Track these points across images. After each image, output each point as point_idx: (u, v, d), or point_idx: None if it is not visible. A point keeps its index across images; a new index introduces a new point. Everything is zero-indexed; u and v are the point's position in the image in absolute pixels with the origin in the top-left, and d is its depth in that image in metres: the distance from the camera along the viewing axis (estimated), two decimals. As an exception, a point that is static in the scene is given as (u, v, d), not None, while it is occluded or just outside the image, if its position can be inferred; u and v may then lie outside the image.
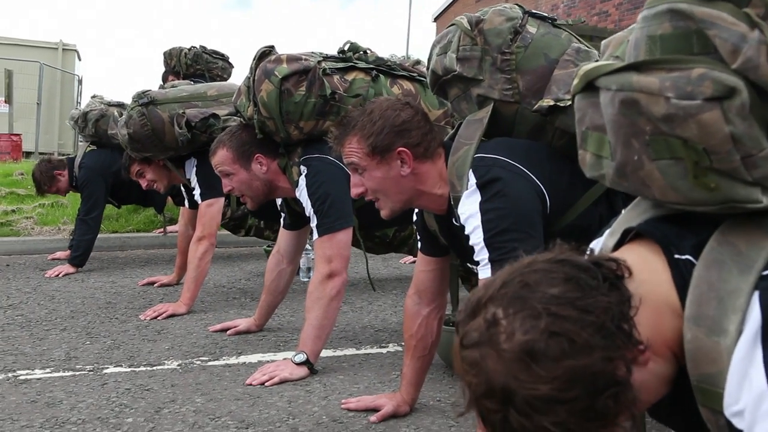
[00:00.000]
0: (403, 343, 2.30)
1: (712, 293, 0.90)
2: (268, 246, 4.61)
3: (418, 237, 2.14)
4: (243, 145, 2.70)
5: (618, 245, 1.05)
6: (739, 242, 0.92)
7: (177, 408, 2.27)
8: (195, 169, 3.56)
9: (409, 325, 2.16)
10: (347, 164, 1.90)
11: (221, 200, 3.57)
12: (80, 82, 13.69)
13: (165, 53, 5.54)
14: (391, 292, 4.04)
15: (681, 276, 0.93)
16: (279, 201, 2.99)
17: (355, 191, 1.90)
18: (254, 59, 2.62)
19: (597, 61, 1.32)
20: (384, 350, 2.94)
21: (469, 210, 1.72)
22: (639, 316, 0.87)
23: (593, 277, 0.86)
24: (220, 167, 2.74)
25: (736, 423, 0.86)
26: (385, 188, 1.85)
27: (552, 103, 1.77)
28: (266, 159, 2.70)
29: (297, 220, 2.93)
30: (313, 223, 2.61)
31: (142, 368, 2.65)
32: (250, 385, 2.47)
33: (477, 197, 1.71)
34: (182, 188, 3.93)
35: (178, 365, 2.69)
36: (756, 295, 0.86)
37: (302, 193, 2.64)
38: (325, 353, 2.72)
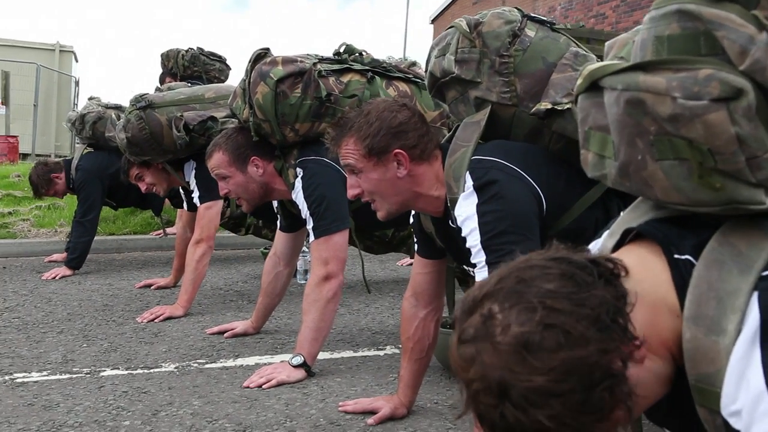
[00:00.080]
0: (400, 346, 2.30)
1: (712, 293, 0.90)
2: (265, 248, 4.61)
3: (415, 239, 2.14)
4: (239, 147, 2.70)
5: (617, 246, 1.05)
6: (739, 243, 0.92)
7: (174, 411, 2.26)
8: (194, 171, 3.55)
9: (407, 328, 2.16)
10: (344, 166, 1.90)
11: (220, 203, 3.57)
12: (77, 83, 13.68)
13: (162, 55, 5.54)
14: (388, 295, 4.04)
15: (680, 276, 0.94)
16: (275, 203, 2.99)
17: (351, 192, 1.90)
18: (249, 61, 2.62)
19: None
20: (381, 353, 2.94)
21: (466, 212, 1.72)
22: (635, 313, 0.87)
23: (589, 273, 0.87)
24: (217, 170, 2.74)
25: (733, 423, 0.86)
26: (381, 190, 1.85)
27: (549, 106, 1.77)
28: (262, 161, 2.70)
29: (293, 223, 2.93)
30: (310, 226, 2.61)
31: (139, 371, 2.65)
32: (248, 387, 2.47)
33: (474, 199, 1.71)
34: (181, 191, 3.92)
35: (175, 368, 2.69)
36: (755, 296, 0.87)
37: (298, 196, 2.63)
38: (322, 356, 2.72)
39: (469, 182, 1.73)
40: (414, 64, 3.01)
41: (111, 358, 2.79)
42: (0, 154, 9.84)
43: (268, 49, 2.67)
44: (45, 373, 2.62)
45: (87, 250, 4.51)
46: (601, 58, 1.37)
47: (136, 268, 4.82)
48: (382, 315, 3.58)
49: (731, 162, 0.88)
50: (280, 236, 3.03)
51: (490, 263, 1.66)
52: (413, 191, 1.86)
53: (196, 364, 2.73)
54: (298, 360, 2.54)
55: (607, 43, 1.24)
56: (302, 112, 2.58)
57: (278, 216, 3.01)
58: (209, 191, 3.44)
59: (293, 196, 2.69)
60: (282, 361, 2.61)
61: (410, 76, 2.80)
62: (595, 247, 1.11)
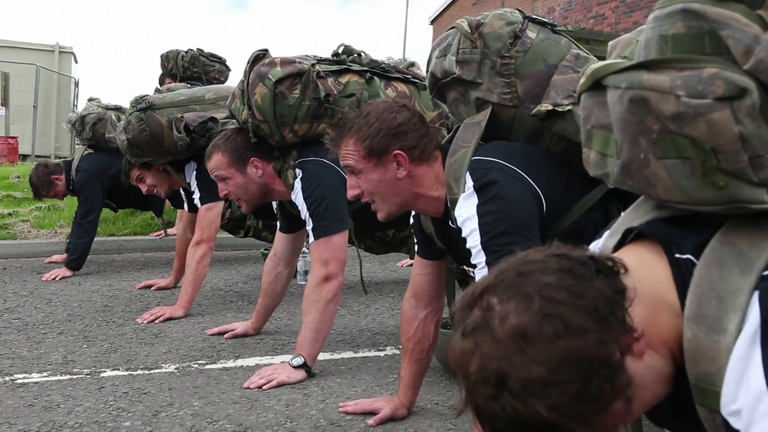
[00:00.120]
0: (400, 347, 2.30)
1: (713, 292, 0.90)
2: (265, 249, 4.61)
3: (415, 240, 2.15)
4: (238, 149, 2.70)
5: (618, 246, 1.05)
6: (741, 243, 0.92)
7: (174, 411, 2.26)
8: (195, 173, 3.56)
9: (407, 328, 2.16)
10: (344, 166, 1.90)
11: (220, 204, 3.57)
12: (77, 84, 13.69)
13: (162, 56, 5.55)
14: (388, 295, 4.05)
15: (681, 275, 0.94)
16: (275, 204, 2.99)
17: (351, 193, 1.90)
18: (248, 63, 2.62)
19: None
20: (381, 353, 2.94)
21: (466, 213, 1.72)
22: (634, 308, 0.87)
23: (588, 268, 0.87)
24: (216, 172, 2.74)
25: (733, 423, 0.86)
26: (381, 191, 1.86)
27: (550, 107, 1.77)
28: (262, 162, 2.71)
29: (293, 223, 2.93)
30: (309, 227, 2.61)
31: (140, 372, 2.65)
32: (248, 388, 2.47)
33: (474, 200, 1.71)
34: (182, 192, 3.93)
35: (176, 369, 2.69)
36: (756, 295, 0.87)
37: (298, 197, 2.64)
38: (322, 356, 2.72)
39: (470, 183, 1.73)
40: (413, 64, 3.01)
41: (111, 359, 2.79)
42: (0, 155, 9.84)
43: (266, 50, 2.67)
44: (45, 374, 2.62)
45: (87, 251, 4.51)
46: (601, 59, 1.37)
47: (136, 269, 4.82)
48: (382, 316, 3.58)
49: (734, 161, 0.89)
50: (279, 237, 3.03)
51: (490, 264, 1.66)
52: (413, 192, 1.86)
53: (196, 365, 2.73)
54: (299, 361, 2.54)
55: (610, 43, 1.25)
56: (301, 113, 2.58)
57: (278, 217, 3.01)
58: (210, 192, 3.44)
59: (292, 197, 2.69)
60: (282, 362, 2.61)
61: (409, 76, 2.80)
62: (595, 247, 1.11)
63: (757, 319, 0.85)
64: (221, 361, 2.80)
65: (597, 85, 1.01)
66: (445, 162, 1.84)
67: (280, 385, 2.48)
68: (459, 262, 2.01)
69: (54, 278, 4.34)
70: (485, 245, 1.67)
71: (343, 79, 2.65)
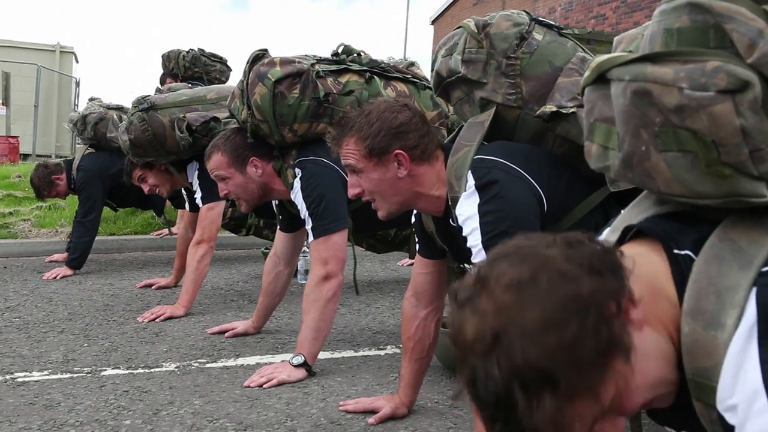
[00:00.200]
0: (400, 346, 2.31)
1: (711, 288, 0.90)
2: (266, 248, 4.62)
3: (416, 239, 2.15)
4: (238, 149, 2.70)
5: (618, 244, 1.05)
6: (740, 239, 0.92)
7: (175, 410, 2.27)
8: (197, 172, 3.56)
9: (407, 328, 2.16)
10: (345, 165, 1.91)
11: (222, 204, 3.58)
12: (78, 84, 13.70)
13: (163, 56, 5.55)
14: (389, 294, 4.05)
15: (680, 271, 0.94)
16: (274, 203, 2.99)
17: (352, 192, 1.91)
18: (247, 62, 2.62)
19: None
20: (382, 352, 2.95)
21: (468, 212, 1.73)
22: (632, 284, 0.87)
23: (583, 239, 0.89)
24: (216, 171, 2.74)
25: (728, 418, 0.86)
26: (381, 190, 1.86)
27: (554, 109, 1.78)
28: (261, 162, 2.71)
29: (293, 223, 2.93)
30: (309, 226, 2.62)
31: (140, 370, 2.65)
32: (248, 387, 2.47)
33: (475, 199, 1.71)
34: (183, 191, 3.93)
35: (176, 367, 2.69)
36: (753, 291, 0.87)
37: (297, 196, 2.64)
38: (323, 355, 2.73)
39: (471, 181, 1.73)
40: (412, 64, 3.01)
41: (112, 358, 2.79)
42: (1, 154, 9.86)
43: (266, 50, 2.67)
44: (46, 372, 2.62)
45: (88, 250, 4.52)
46: None
47: (136, 268, 4.83)
48: (382, 315, 3.59)
49: (734, 154, 0.89)
50: (280, 236, 3.03)
51: (491, 263, 1.66)
52: (414, 191, 1.87)
53: (196, 364, 2.74)
54: (299, 359, 2.55)
55: (616, 38, 1.25)
56: (300, 113, 2.58)
57: (277, 216, 3.02)
58: (212, 192, 3.44)
59: (292, 197, 2.69)
60: (283, 361, 2.62)
61: (408, 76, 2.81)
62: None
63: (754, 315, 0.85)
64: (222, 359, 2.80)
65: (601, 79, 1.02)
66: (447, 161, 1.84)
67: (280, 384, 2.48)
68: (459, 261, 2.02)
69: (55, 277, 4.34)
70: (486, 244, 1.67)
71: (343, 79, 2.65)
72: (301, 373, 2.54)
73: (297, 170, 2.65)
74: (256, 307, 3.17)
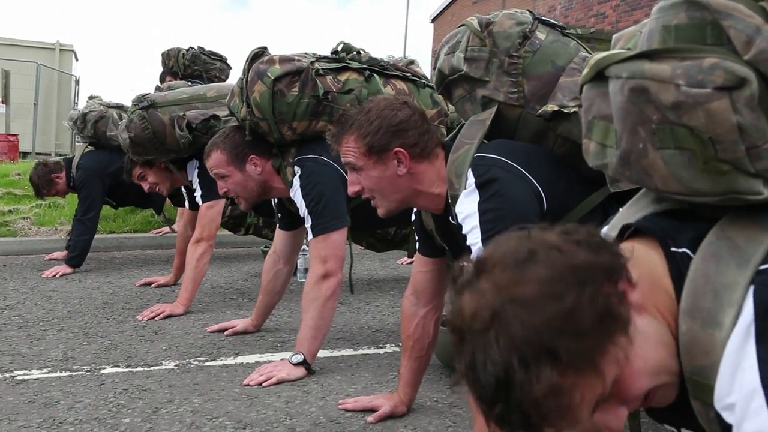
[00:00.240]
0: (400, 344, 2.30)
1: (709, 286, 0.90)
2: (265, 246, 4.62)
3: (416, 237, 2.15)
4: (237, 146, 2.70)
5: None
6: (737, 237, 0.92)
7: (174, 408, 2.27)
8: (197, 170, 3.56)
9: (407, 326, 2.16)
10: (344, 163, 1.91)
11: (222, 202, 3.57)
12: (77, 82, 13.68)
13: (163, 54, 5.55)
14: (388, 293, 4.05)
15: (677, 269, 0.94)
16: (275, 201, 2.99)
17: (352, 189, 1.91)
18: (247, 60, 2.62)
19: None
20: (381, 351, 2.94)
21: (468, 210, 1.72)
22: (630, 269, 0.88)
23: (580, 230, 0.90)
24: (215, 170, 2.74)
25: (726, 417, 0.86)
26: (381, 188, 1.86)
27: (556, 108, 1.77)
28: (260, 160, 2.71)
29: (292, 221, 2.93)
30: (308, 224, 2.62)
31: (140, 368, 2.65)
32: (248, 385, 2.47)
33: (475, 197, 1.71)
34: (183, 189, 3.93)
35: (176, 366, 2.69)
36: (751, 290, 0.87)
37: (296, 194, 2.64)
38: (322, 354, 2.72)
39: (471, 179, 1.73)
40: (412, 62, 3.01)
41: (111, 356, 2.79)
42: (0, 152, 9.84)
43: (265, 47, 2.67)
44: (45, 370, 2.62)
45: (87, 248, 4.52)
46: None
47: (136, 266, 4.83)
48: (382, 313, 3.59)
49: (731, 151, 0.89)
50: (279, 234, 3.03)
51: (490, 261, 1.66)
52: (413, 189, 1.86)
53: (196, 362, 2.74)
54: (298, 358, 2.55)
55: (614, 36, 1.25)
56: (299, 111, 2.58)
57: (276, 214, 3.01)
58: (211, 190, 3.44)
59: (291, 195, 2.69)
60: (282, 359, 2.62)
61: (408, 74, 2.80)
62: None
63: (751, 313, 0.85)
64: (221, 358, 2.80)
65: (599, 76, 1.02)
66: (448, 158, 1.84)
67: (279, 382, 2.48)
68: (458, 258, 2.01)
69: (54, 275, 4.34)
70: (486, 242, 1.67)
71: (342, 77, 2.65)
72: (301, 371, 2.54)
73: (296, 168, 2.65)
74: (256, 305, 3.17)
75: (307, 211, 2.60)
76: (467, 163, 1.76)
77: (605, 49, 1.85)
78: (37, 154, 11.19)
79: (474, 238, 1.70)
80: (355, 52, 2.77)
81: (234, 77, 6.14)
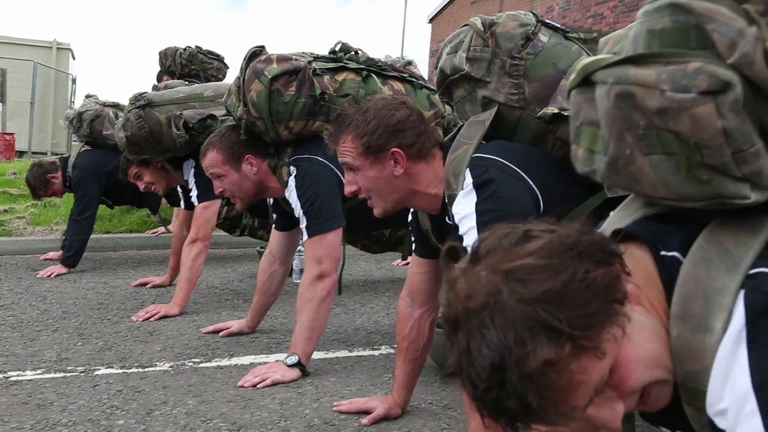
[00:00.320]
0: (395, 346, 2.30)
1: (699, 291, 0.90)
2: (261, 247, 4.60)
3: (413, 238, 2.14)
4: (233, 146, 2.69)
5: None
6: (727, 241, 0.92)
7: (168, 410, 2.26)
8: (193, 170, 3.55)
9: (402, 328, 2.16)
10: (341, 163, 1.90)
11: (217, 202, 3.57)
12: (74, 81, 13.66)
13: (160, 53, 5.54)
14: (383, 294, 4.04)
15: (667, 273, 0.94)
16: (270, 202, 2.98)
17: (348, 189, 1.90)
18: (244, 59, 2.61)
19: None
20: (376, 352, 2.94)
21: (465, 210, 1.72)
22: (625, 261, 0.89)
23: (572, 223, 0.90)
24: (211, 169, 2.73)
25: (718, 422, 0.86)
26: (377, 188, 1.85)
27: (556, 110, 1.77)
28: (256, 159, 2.70)
29: (288, 221, 2.92)
30: (303, 224, 2.61)
31: (134, 370, 2.64)
32: (242, 387, 2.46)
33: (473, 197, 1.71)
34: (179, 189, 3.92)
35: (170, 367, 2.68)
36: (741, 294, 0.87)
37: (292, 194, 2.63)
38: (317, 355, 2.72)
39: (469, 179, 1.73)
40: (410, 63, 3.00)
41: (106, 357, 2.78)
42: (-4, 151, 9.82)
43: (263, 47, 2.66)
44: (39, 371, 2.61)
45: (83, 248, 4.50)
46: None
47: (131, 266, 4.81)
48: (377, 315, 3.58)
49: (717, 155, 0.89)
50: (275, 235, 3.02)
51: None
52: (410, 189, 1.86)
53: (190, 363, 2.73)
54: (293, 359, 2.54)
55: (601, 40, 1.25)
56: (296, 111, 2.57)
57: (271, 214, 3.01)
58: (207, 191, 3.43)
59: (286, 195, 2.68)
60: (277, 361, 2.61)
61: (405, 75, 2.80)
62: None
63: (742, 318, 0.85)
64: (216, 359, 2.79)
65: (586, 81, 1.01)
66: (446, 158, 1.83)
67: (274, 384, 2.47)
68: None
69: (49, 275, 4.33)
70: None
71: (340, 77, 2.64)
72: (295, 373, 2.54)
73: (292, 168, 2.64)
74: (251, 306, 3.16)
75: (302, 211, 2.59)
76: (465, 164, 1.76)
77: (606, 52, 1.85)
78: (34, 153, 11.17)
79: (470, 239, 1.69)
80: (352, 52, 2.76)
81: (231, 76, 6.12)
